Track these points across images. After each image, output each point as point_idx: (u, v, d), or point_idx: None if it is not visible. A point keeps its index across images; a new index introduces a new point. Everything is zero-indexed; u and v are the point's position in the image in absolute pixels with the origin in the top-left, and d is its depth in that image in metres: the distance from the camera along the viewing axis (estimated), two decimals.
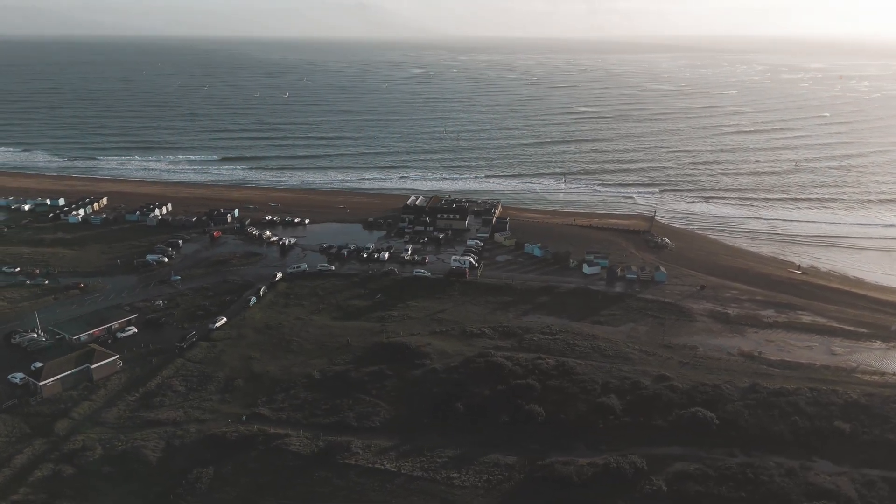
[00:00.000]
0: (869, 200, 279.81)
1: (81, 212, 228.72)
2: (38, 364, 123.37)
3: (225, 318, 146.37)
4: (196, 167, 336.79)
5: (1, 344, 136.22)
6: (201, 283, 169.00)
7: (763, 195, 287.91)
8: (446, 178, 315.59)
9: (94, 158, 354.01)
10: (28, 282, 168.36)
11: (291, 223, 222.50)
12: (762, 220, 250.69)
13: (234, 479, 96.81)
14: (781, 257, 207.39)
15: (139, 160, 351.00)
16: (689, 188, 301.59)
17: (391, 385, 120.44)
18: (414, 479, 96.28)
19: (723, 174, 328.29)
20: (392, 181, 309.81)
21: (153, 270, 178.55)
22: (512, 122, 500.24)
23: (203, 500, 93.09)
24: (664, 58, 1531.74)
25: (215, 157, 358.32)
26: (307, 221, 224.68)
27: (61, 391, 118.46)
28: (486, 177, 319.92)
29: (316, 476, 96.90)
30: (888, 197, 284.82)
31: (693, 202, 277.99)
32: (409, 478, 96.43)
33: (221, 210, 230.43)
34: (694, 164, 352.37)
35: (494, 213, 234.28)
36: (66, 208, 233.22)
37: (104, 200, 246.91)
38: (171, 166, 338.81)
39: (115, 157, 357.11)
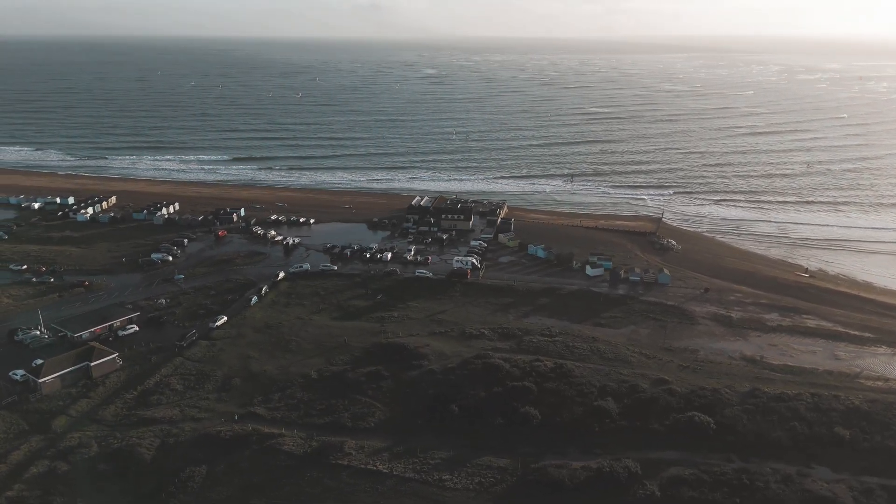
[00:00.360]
0: (882, 204, 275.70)
1: (90, 210, 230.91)
2: (39, 361, 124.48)
3: (225, 317, 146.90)
4: (206, 167, 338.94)
5: (5, 341, 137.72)
6: (204, 282, 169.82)
7: (774, 198, 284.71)
8: (455, 179, 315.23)
9: (106, 158, 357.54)
10: (34, 279, 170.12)
11: (297, 223, 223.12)
12: (772, 223, 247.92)
13: (226, 479, 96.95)
14: (790, 260, 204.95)
15: (150, 160, 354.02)
16: (699, 190, 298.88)
17: (387, 386, 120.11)
18: (405, 480, 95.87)
19: (734, 176, 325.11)
20: (400, 181, 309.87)
21: (157, 269, 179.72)
22: (523, 122, 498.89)
23: (194, 498, 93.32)
24: (679, 58, 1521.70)
25: (226, 157, 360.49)
26: (312, 221, 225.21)
27: (60, 388, 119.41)
28: (495, 178, 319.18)
29: (307, 476, 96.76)
30: None
31: (702, 204, 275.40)
32: (401, 479, 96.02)
33: (228, 209, 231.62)
34: (705, 165, 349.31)
35: (499, 213, 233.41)
36: (74, 207, 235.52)
37: (113, 199, 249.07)
38: (182, 166, 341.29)
39: (127, 157, 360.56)
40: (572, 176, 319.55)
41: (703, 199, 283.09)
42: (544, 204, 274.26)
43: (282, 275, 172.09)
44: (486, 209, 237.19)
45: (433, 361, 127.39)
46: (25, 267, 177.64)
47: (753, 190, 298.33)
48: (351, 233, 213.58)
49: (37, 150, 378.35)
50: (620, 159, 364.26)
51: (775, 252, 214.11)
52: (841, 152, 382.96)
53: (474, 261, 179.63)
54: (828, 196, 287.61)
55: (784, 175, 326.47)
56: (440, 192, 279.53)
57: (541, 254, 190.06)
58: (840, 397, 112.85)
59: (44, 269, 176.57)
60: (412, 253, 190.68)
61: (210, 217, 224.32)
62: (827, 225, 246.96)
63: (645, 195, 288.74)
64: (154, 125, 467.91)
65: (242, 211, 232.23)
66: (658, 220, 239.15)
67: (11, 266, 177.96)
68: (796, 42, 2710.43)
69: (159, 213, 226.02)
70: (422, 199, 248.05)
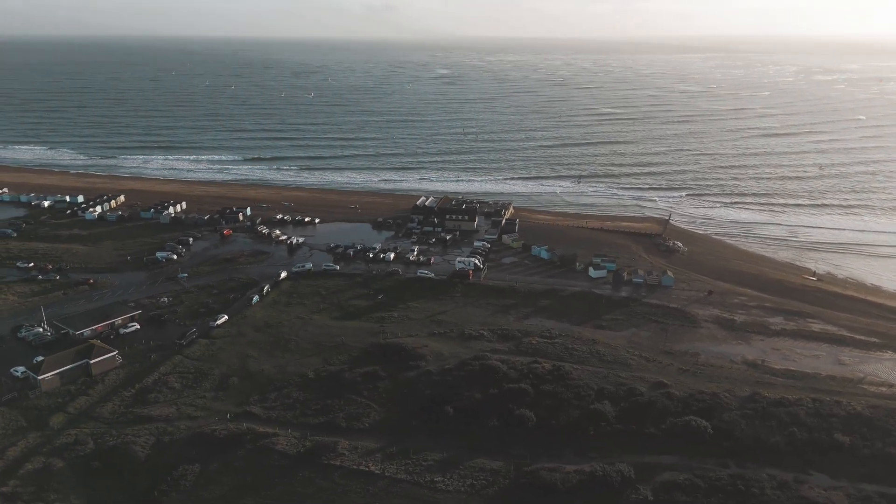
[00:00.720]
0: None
1: (98, 209, 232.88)
2: (40, 358, 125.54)
3: (226, 316, 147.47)
4: (216, 166, 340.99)
5: (9, 337, 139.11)
6: (207, 281, 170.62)
7: (785, 200, 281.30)
8: (463, 180, 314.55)
9: (118, 157, 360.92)
10: (40, 277, 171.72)
11: (302, 222, 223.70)
12: (782, 226, 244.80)
13: (219, 478, 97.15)
14: (798, 263, 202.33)
15: (161, 159, 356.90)
16: (709, 192, 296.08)
17: (384, 386, 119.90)
18: (397, 481, 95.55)
19: (745, 178, 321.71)
20: (409, 182, 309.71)
21: (162, 267, 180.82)
22: (534, 123, 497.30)
23: (186, 497, 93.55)
24: (694, 58, 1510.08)
25: (235, 157, 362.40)
26: (317, 221, 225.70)
27: (60, 385, 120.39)
28: (504, 178, 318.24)
29: (300, 476, 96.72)
30: None
31: (712, 207, 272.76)
32: (393, 480, 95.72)
33: (234, 208, 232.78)
34: (716, 167, 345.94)
35: (504, 214, 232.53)
36: (83, 205, 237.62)
37: (121, 198, 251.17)
38: (192, 165, 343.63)
39: (138, 156, 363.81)
40: (580, 177, 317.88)
41: (713, 202, 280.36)
42: (553, 205, 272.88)
43: (284, 274, 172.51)
44: (491, 210, 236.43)
45: (431, 362, 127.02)
46: (32, 264, 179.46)
47: (765, 192, 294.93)
48: (355, 232, 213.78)
49: (50, 148, 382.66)
50: (631, 161, 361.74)
51: (783, 255, 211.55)
52: (856, 154, 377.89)
53: (477, 261, 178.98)
54: (840, 199, 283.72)
55: (797, 177, 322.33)
56: (448, 192, 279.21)
57: (544, 255, 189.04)
58: (842, 403, 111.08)
59: (50, 266, 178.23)
60: (415, 253, 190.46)
61: (216, 216, 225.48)
62: (839, 228, 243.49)
63: (656, 196, 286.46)
64: (166, 125, 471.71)
65: (248, 210, 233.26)
66: (665, 222, 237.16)
67: (18, 263, 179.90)
68: (813, 42, 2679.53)
69: (166, 212, 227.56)
70: (426, 200, 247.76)
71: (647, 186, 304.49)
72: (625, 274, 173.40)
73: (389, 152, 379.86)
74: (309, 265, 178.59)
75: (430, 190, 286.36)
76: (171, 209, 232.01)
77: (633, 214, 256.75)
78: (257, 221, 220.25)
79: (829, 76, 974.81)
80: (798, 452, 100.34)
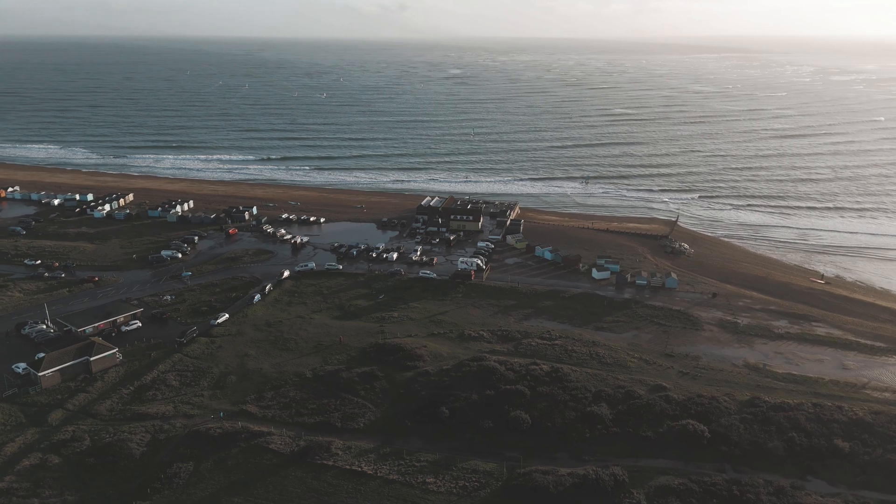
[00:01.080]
0: None
1: (106, 207, 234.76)
2: (42, 355, 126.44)
3: (227, 315, 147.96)
4: (226, 166, 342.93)
5: (13, 334, 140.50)
6: (210, 279, 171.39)
7: (797, 202, 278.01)
8: (471, 181, 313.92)
9: (129, 156, 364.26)
10: (46, 274, 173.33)
11: (307, 222, 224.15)
12: (791, 229, 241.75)
13: (212, 475, 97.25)
14: (806, 266, 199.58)
15: (172, 158, 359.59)
16: (720, 194, 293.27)
17: (380, 386, 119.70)
18: (389, 482, 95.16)
19: (758, 180, 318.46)
20: (417, 182, 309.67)
21: (166, 266, 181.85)
22: (545, 123, 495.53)
23: (179, 494, 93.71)
24: (709, 59, 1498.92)
25: (246, 157, 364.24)
26: (322, 220, 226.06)
27: (60, 382, 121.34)
28: (513, 179, 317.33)
29: (292, 476, 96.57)
30: None
31: (721, 209, 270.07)
32: (385, 481, 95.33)
33: (240, 207, 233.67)
34: (728, 169, 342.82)
35: (510, 214, 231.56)
36: (92, 204, 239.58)
37: (130, 196, 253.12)
38: (203, 164, 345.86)
39: (149, 155, 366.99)
40: (588, 178, 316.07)
41: (723, 204, 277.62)
42: (562, 206, 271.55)
43: (287, 273, 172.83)
44: (496, 210, 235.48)
45: (429, 363, 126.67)
46: (39, 262, 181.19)
47: (776, 194, 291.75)
48: (360, 232, 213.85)
49: (63, 147, 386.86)
50: (642, 162, 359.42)
51: (792, 258, 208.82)
52: (872, 156, 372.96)
53: (479, 262, 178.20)
54: (853, 201, 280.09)
55: (810, 179, 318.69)
56: (456, 193, 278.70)
57: (548, 256, 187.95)
58: (843, 408, 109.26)
59: (56, 264, 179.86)
60: (418, 253, 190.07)
61: (222, 215, 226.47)
62: (851, 231, 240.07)
63: (667, 198, 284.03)
64: (178, 124, 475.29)
65: (255, 209, 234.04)
66: (672, 224, 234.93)
67: (26, 261, 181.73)
68: (832, 43, 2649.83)
69: (173, 211, 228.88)
70: (432, 200, 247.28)
71: (658, 188, 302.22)
72: (628, 276, 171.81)
73: (399, 152, 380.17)
74: (311, 264, 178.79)
75: (439, 190, 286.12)
76: (178, 208, 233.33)
77: (640, 216, 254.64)
78: (263, 221, 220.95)
79: (846, 76, 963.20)
80: (797, 458, 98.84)
